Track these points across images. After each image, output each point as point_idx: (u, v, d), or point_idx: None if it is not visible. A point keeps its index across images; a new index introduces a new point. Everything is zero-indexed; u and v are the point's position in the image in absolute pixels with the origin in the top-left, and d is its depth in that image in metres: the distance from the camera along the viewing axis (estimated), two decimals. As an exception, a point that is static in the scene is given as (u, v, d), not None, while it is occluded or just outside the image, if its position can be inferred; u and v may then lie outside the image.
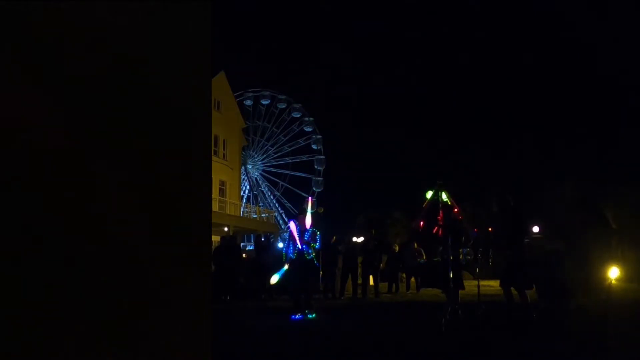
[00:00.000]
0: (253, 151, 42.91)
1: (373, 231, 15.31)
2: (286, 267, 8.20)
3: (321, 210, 12.08)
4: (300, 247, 8.09)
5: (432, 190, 7.49)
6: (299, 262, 8.06)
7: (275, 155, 43.42)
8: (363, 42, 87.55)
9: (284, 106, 42.80)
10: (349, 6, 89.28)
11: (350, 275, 12.71)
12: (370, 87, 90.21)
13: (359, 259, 12.92)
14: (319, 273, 10.22)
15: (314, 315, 7.97)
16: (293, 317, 7.84)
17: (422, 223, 7.86)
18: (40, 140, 1.25)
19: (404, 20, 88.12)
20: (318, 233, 8.35)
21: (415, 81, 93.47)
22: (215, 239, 17.09)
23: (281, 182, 43.20)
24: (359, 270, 12.88)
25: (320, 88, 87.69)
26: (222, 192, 31.76)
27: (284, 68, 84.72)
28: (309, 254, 8.11)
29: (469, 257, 7.42)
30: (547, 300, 7.69)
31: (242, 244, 25.85)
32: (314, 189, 42.01)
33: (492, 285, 10.68)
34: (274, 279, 8.43)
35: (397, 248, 14.83)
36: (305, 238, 8.14)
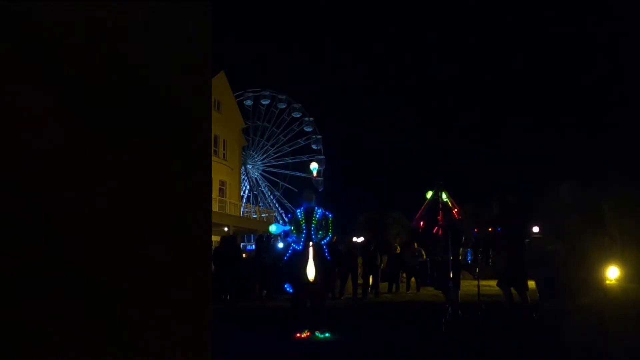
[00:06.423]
0: (253, 151, 42.90)
1: (375, 235, 15.28)
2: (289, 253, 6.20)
3: (321, 210, 11.94)
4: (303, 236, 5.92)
5: (432, 190, 7.49)
6: (304, 256, 5.83)
7: (275, 155, 43.43)
8: (364, 43, 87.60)
9: (284, 106, 42.81)
10: (349, 6, 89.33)
11: (350, 275, 12.71)
12: (371, 87, 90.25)
13: (359, 260, 12.92)
14: (330, 273, 6.87)
15: (326, 334, 5.83)
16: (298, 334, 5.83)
17: (422, 223, 7.87)
18: (40, 140, 1.25)
19: (405, 19, 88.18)
20: (331, 219, 6.13)
21: (415, 81, 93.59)
22: (215, 239, 17.08)
23: (281, 182, 43.21)
24: (359, 270, 12.88)
25: (321, 89, 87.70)
26: (222, 192, 31.77)
27: (284, 68, 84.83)
28: (319, 246, 5.94)
29: (472, 257, 7.39)
30: (547, 300, 7.69)
31: (242, 244, 25.83)
32: (313, 189, 41.96)
33: (492, 285, 10.66)
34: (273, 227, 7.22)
35: (398, 249, 14.82)
36: (313, 227, 5.94)
